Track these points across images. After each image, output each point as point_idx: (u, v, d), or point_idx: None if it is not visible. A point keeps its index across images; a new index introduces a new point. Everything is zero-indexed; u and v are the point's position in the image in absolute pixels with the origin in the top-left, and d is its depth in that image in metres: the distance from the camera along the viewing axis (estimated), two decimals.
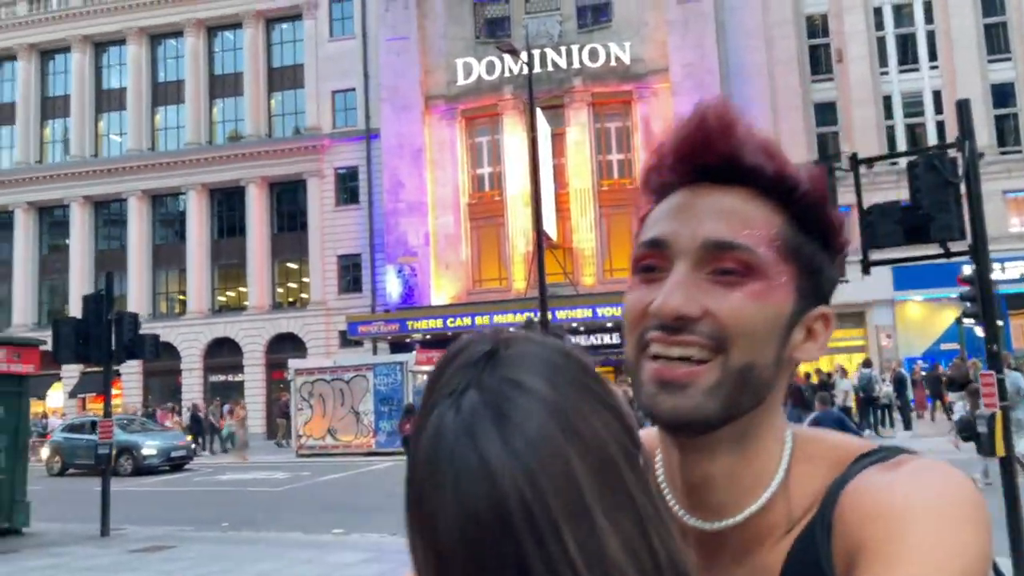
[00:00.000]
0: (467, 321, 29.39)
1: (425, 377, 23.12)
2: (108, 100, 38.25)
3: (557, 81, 31.15)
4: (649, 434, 0.90)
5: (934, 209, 6.58)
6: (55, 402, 35.50)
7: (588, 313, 28.83)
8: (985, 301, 7.13)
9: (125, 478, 20.51)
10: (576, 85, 31.18)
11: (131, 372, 33.46)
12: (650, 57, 30.95)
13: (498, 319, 28.55)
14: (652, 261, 0.83)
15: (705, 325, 0.78)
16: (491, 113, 31.95)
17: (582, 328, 28.84)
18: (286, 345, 33.51)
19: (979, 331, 9.16)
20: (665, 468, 0.88)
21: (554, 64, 31.20)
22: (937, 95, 29.56)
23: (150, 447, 22.45)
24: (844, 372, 22.32)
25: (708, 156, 0.83)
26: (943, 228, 6.64)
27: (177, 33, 37.31)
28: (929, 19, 30.09)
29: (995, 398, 7.01)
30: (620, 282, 30.04)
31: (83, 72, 37.97)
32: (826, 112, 30.56)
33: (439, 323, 29.49)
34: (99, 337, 12.49)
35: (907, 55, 30.49)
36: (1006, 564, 5.86)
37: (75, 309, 29.03)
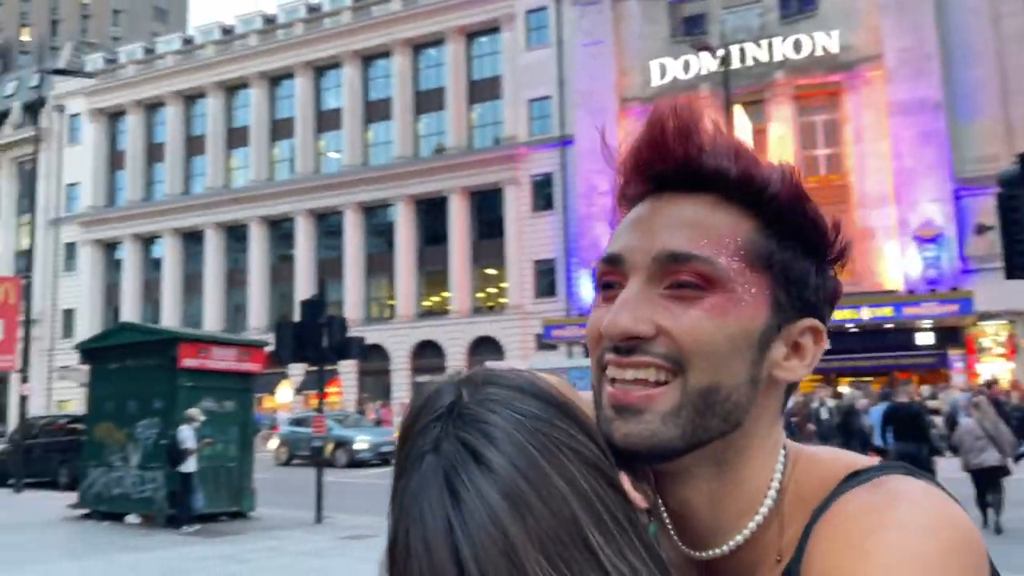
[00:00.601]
0: None
1: None
2: (327, 120, 41.34)
3: (757, 76, 29.99)
4: None
5: None
6: (284, 398, 38.79)
7: None
8: None
9: (340, 469, 21.99)
10: (778, 78, 29.87)
11: (347, 371, 35.90)
12: (861, 44, 29.05)
13: None
14: (610, 278, 0.77)
15: (660, 345, 0.72)
16: None
17: None
18: (485, 348, 34.64)
19: None
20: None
21: (754, 58, 30.09)
22: None
23: (362, 441, 23.95)
24: None
25: (664, 163, 0.76)
26: None
27: (386, 54, 39.70)
28: None
29: None
30: None
31: (306, 95, 41.33)
32: None
33: None
34: (313, 339, 13.51)
35: None
36: None
37: (298, 314, 31.56)
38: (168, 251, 43.59)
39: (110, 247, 45.87)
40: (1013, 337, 26.46)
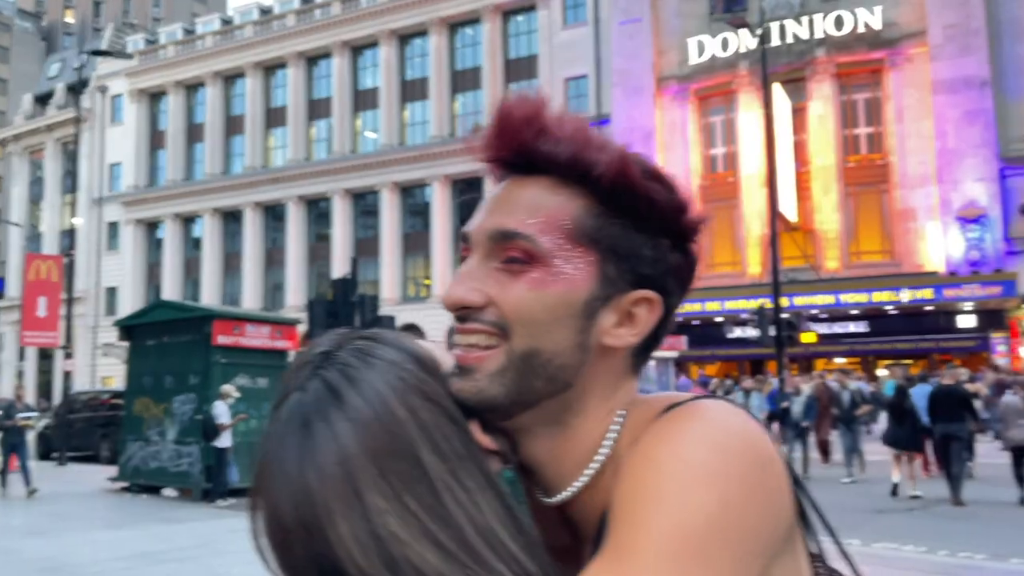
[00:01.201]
0: (698, 307, 28.74)
1: (653, 363, 23.03)
2: (363, 100, 41.51)
3: (797, 53, 29.45)
4: None
5: None
6: None
7: (831, 300, 27.15)
8: None
9: None
10: (819, 56, 29.30)
11: None
12: (905, 20, 28.35)
13: (729, 305, 27.67)
14: (464, 254, 0.85)
15: (490, 313, 0.80)
16: (725, 91, 30.88)
17: (824, 315, 27.20)
18: None
19: None
20: None
21: (794, 36, 29.53)
22: None
23: None
24: None
25: (502, 150, 0.84)
26: None
27: (422, 33, 39.68)
28: None
29: None
30: (868, 266, 27.96)
31: (342, 75, 41.50)
32: None
33: None
34: (345, 317, 13.67)
35: None
36: None
37: (331, 293, 31.88)
38: (207, 230, 44.24)
39: (151, 226, 46.69)
40: None
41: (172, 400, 13.68)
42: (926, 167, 27.57)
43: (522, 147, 0.83)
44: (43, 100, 53.78)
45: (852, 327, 27.74)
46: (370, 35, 40.55)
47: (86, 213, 46.01)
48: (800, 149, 29.39)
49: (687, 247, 0.86)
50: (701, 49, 31.12)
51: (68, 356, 23.55)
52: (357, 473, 0.72)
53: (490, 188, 0.90)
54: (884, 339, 27.43)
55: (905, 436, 12.54)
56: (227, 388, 12.87)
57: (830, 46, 29.16)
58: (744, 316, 25.13)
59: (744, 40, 29.53)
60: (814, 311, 26.55)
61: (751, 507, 0.69)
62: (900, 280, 26.75)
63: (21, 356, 49.30)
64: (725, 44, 30.60)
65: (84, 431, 20.44)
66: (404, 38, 40.47)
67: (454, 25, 39.20)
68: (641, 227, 0.82)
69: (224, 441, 12.57)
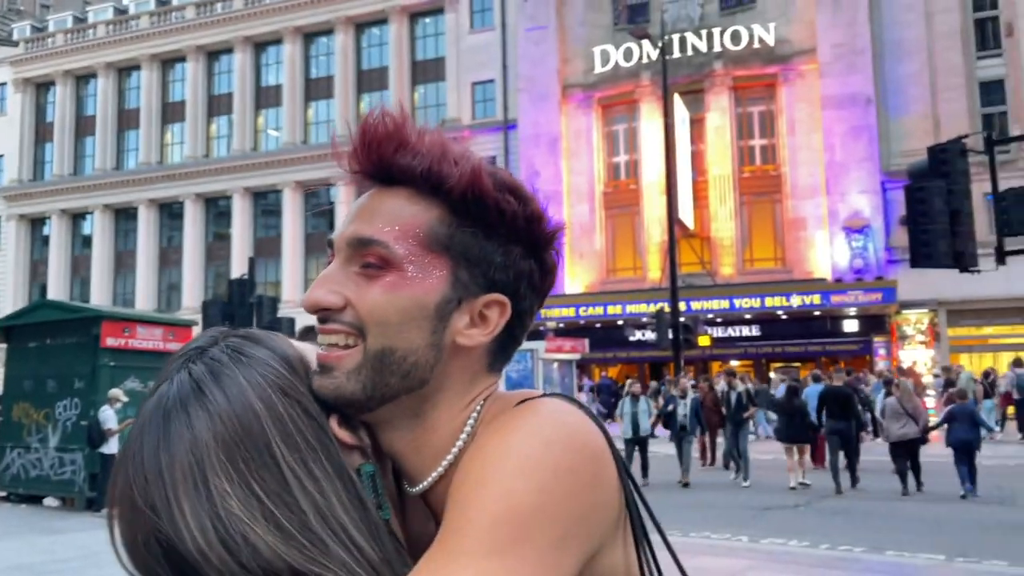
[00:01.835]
0: (600, 310, 29.30)
1: (556, 365, 23.28)
2: (266, 97, 40.54)
3: (697, 66, 30.37)
4: None
5: None
6: None
7: (725, 304, 28.07)
8: None
9: None
10: (717, 69, 30.29)
11: None
12: (797, 38, 29.62)
13: (631, 308, 28.30)
14: (329, 260, 0.91)
15: (347, 315, 0.86)
16: (628, 100, 31.57)
17: (719, 319, 28.13)
18: None
19: None
20: None
21: (694, 48, 30.44)
22: None
23: None
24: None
25: (364, 164, 0.90)
26: None
27: (328, 31, 39.07)
28: None
29: None
30: (761, 272, 29.04)
31: (244, 71, 40.43)
32: (993, 91, 28.24)
33: (572, 311, 29.53)
34: (242, 318, 13.35)
35: None
36: None
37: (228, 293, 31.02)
38: (98, 227, 42.32)
39: (36, 222, 44.38)
40: (933, 325, 27.45)
41: (55, 405, 13.02)
42: (815, 179, 28.88)
43: (382, 161, 0.89)
44: None
45: (745, 331, 28.76)
46: (274, 31, 39.66)
47: None
48: (698, 159, 30.32)
49: (542, 255, 0.92)
50: (605, 58, 31.72)
51: None
52: (206, 459, 0.77)
53: (352, 199, 0.95)
54: (775, 342, 28.55)
55: (796, 431, 13.69)
56: (115, 392, 12.36)
57: (727, 60, 30.20)
58: (644, 320, 25.75)
59: (647, 51, 30.28)
60: (710, 315, 27.43)
61: (573, 496, 0.75)
62: (790, 286, 27.90)
63: None
64: (628, 54, 31.30)
65: None
66: (309, 36, 39.76)
67: (360, 25, 38.76)
68: (492, 235, 0.88)
69: (111, 447, 12.05)
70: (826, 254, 28.41)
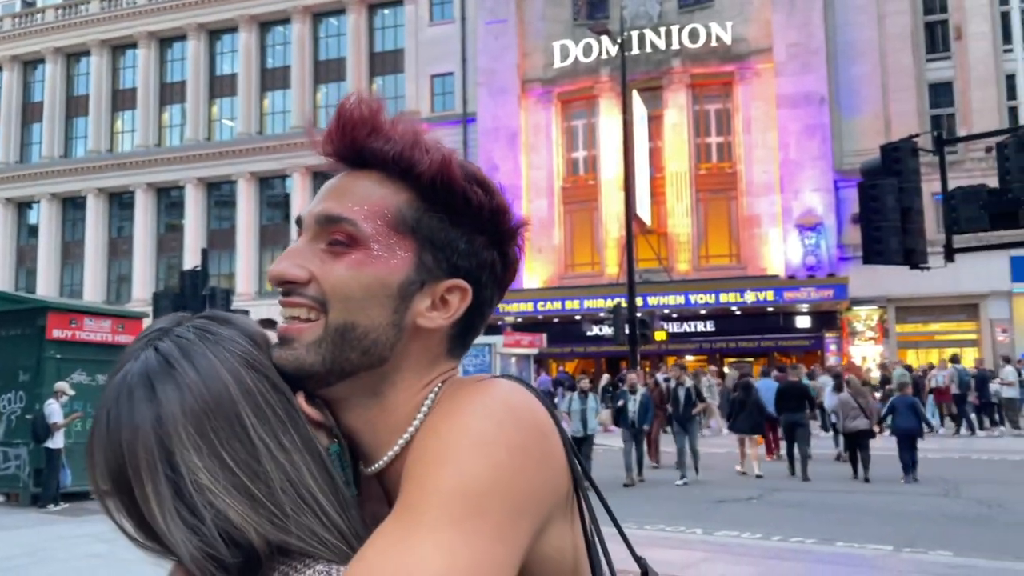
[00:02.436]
0: (557, 305, 29.39)
1: (513, 360, 23.30)
2: (220, 86, 39.85)
3: (655, 63, 30.59)
4: None
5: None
6: None
7: (680, 300, 28.36)
8: None
9: None
10: (675, 66, 30.53)
11: None
12: (753, 37, 29.99)
13: (588, 304, 28.44)
14: (297, 236, 0.93)
15: (311, 289, 0.88)
16: (587, 96, 31.68)
17: (675, 315, 28.40)
18: None
19: None
20: None
21: (652, 45, 30.64)
22: None
23: None
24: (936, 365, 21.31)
25: (339, 146, 0.93)
26: None
27: (284, 20, 38.51)
28: None
29: None
30: (716, 268, 29.38)
31: (198, 59, 39.68)
32: (941, 93, 28.94)
33: (530, 306, 29.58)
34: (194, 310, 13.08)
35: None
36: None
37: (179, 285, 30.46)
38: (44, 216, 41.25)
39: None
40: (883, 322, 28.06)
41: None
42: (770, 176, 29.29)
43: (355, 144, 0.91)
44: None
45: (700, 326, 29.11)
46: (228, 19, 38.97)
47: None
48: (656, 155, 30.55)
49: (505, 248, 0.94)
50: (565, 53, 31.78)
51: None
52: (173, 433, 0.78)
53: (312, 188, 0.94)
54: (729, 338, 28.94)
55: (749, 424, 14.40)
56: (61, 385, 12.05)
57: (685, 57, 30.46)
58: (601, 315, 25.89)
59: (606, 47, 30.40)
60: (666, 311, 27.69)
61: (523, 472, 0.77)
62: (745, 283, 28.30)
63: None
64: (588, 50, 31.39)
65: None
66: (265, 25, 39.16)
67: (318, 15, 38.29)
68: (458, 223, 0.90)
69: (57, 442, 11.76)
70: (780, 251, 28.86)
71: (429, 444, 0.79)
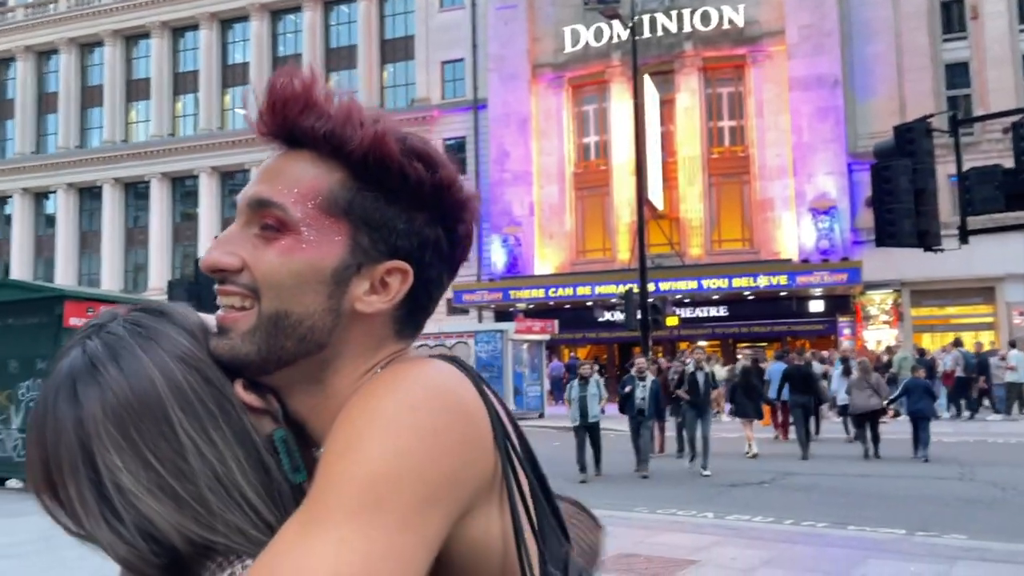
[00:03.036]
0: (569, 291, 29.36)
1: (525, 346, 23.29)
2: (233, 75, 39.91)
3: (667, 46, 30.38)
4: None
5: None
6: None
7: (693, 285, 28.26)
8: None
9: None
10: (687, 50, 30.32)
11: None
12: (765, 19, 29.72)
13: (600, 290, 28.40)
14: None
15: (244, 277, 0.85)
16: (599, 81, 31.53)
17: (687, 300, 28.32)
18: None
19: None
20: None
21: (664, 29, 30.43)
22: None
23: None
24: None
25: (271, 125, 0.88)
26: None
27: (296, 8, 38.51)
28: None
29: None
30: (729, 253, 29.25)
31: (211, 48, 39.75)
32: (957, 73, 28.60)
33: (541, 293, 29.58)
34: (209, 298, 13.17)
35: None
36: None
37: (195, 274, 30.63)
38: (62, 206, 41.59)
39: None
40: (897, 305, 27.89)
41: (17, 386, 12.82)
42: (783, 160, 29.09)
43: (287, 121, 0.87)
44: None
45: (713, 311, 29.02)
46: (240, 8, 38.99)
47: None
48: (667, 140, 30.40)
49: (452, 224, 0.90)
50: (576, 38, 31.61)
51: None
52: (94, 435, 0.77)
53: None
54: (742, 323, 28.85)
55: (752, 407, 15.08)
56: None
57: (697, 41, 30.23)
58: (613, 300, 25.87)
59: (617, 31, 30.22)
60: (678, 296, 27.63)
61: (437, 458, 0.74)
62: (757, 267, 28.16)
63: None
64: (599, 34, 31.21)
65: None
66: (277, 13, 39.16)
67: (329, 2, 38.24)
68: (395, 200, 0.86)
69: None
70: (793, 235, 28.69)
71: (338, 432, 0.76)
